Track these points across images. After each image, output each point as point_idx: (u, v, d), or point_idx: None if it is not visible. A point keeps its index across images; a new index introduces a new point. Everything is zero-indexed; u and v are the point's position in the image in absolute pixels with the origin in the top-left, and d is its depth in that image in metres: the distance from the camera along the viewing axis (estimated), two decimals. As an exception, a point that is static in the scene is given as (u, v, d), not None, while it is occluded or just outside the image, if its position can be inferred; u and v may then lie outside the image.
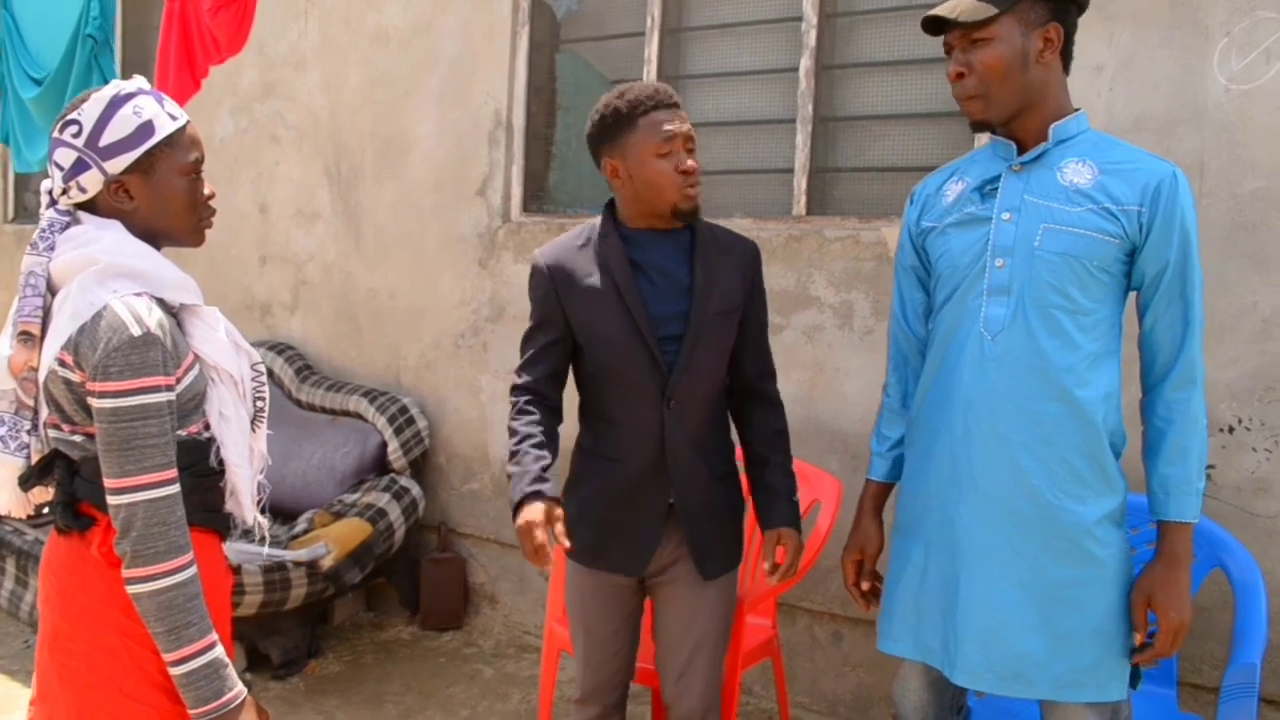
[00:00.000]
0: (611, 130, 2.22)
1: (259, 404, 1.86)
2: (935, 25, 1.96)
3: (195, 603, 1.63)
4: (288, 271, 4.95)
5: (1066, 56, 1.99)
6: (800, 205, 3.60)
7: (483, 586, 4.36)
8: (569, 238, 2.30)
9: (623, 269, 2.20)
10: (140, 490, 1.60)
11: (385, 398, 4.31)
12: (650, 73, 3.89)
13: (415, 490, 4.21)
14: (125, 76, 1.85)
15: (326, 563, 3.70)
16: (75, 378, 1.61)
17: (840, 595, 3.44)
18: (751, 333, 2.31)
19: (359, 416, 4.32)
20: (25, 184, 6.54)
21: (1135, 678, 2.00)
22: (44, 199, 1.74)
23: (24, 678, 3.65)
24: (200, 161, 1.79)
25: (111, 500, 1.61)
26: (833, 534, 2.98)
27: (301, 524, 3.97)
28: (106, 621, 1.67)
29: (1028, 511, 1.92)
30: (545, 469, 2.15)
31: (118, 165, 1.68)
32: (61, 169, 1.69)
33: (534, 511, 2.06)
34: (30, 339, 1.65)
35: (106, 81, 3.90)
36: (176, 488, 1.64)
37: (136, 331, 1.59)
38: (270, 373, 4.66)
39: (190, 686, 1.62)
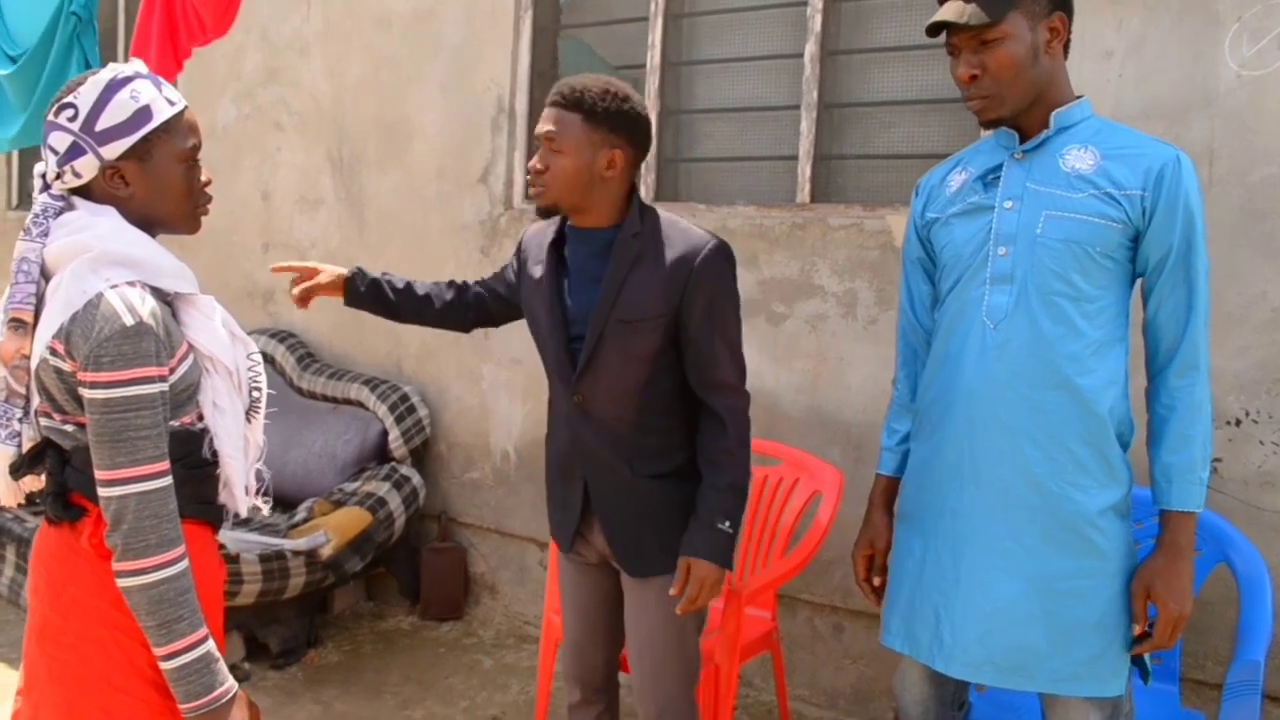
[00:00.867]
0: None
1: (255, 394, 1.82)
2: (939, 28, 1.93)
3: (186, 597, 1.60)
4: (290, 258, 4.92)
5: (1068, 44, 1.97)
6: (804, 193, 3.56)
7: (483, 576, 4.34)
8: (551, 222, 2.31)
9: (550, 262, 2.25)
10: (132, 482, 1.57)
11: (386, 386, 4.29)
12: (654, 58, 3.85)
13: (416, 479, 4.19)
14: (107, 55, 1.82)
15: (326, 552, 3.68)
16: (67, 367, 1.58)
17: (841, 587, 3.41)
18: (692, 342, 2.17)
19: (360, 405, 4.30)
20: (29, 170, 6.53)
21: (1145, 674, 1.98)
22: (37, 183, 1.71)
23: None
24: (198, 148, 1.76)
25: (102, 492, 1.58)
26: (834, 526, 2.95)
27: (301, 512, 3.95)
28: (96, 614, 1.65)
29: (1030, 501, 1.90)
30: (372, 276, 2.52)
31: (114, 150, 1.65)
32: (56, 153, 1.65)
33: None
34: (22, 326, 1.62)
35: (87, 61, 3.81)
36: (169, 480, 1.61)
37: (129, 321, 1.56)
38: (272, 360, 4.64)
39: (181, 681, 1.60)
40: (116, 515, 1.57)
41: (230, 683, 1.65)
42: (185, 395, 1.68)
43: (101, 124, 1.64)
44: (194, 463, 1.70)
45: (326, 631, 4.03)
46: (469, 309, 2.54)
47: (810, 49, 3.52)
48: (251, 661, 3.69)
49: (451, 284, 2.55)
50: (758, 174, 3.73)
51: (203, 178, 1.77)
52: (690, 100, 3.89)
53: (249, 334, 4.55)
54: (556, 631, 2.97)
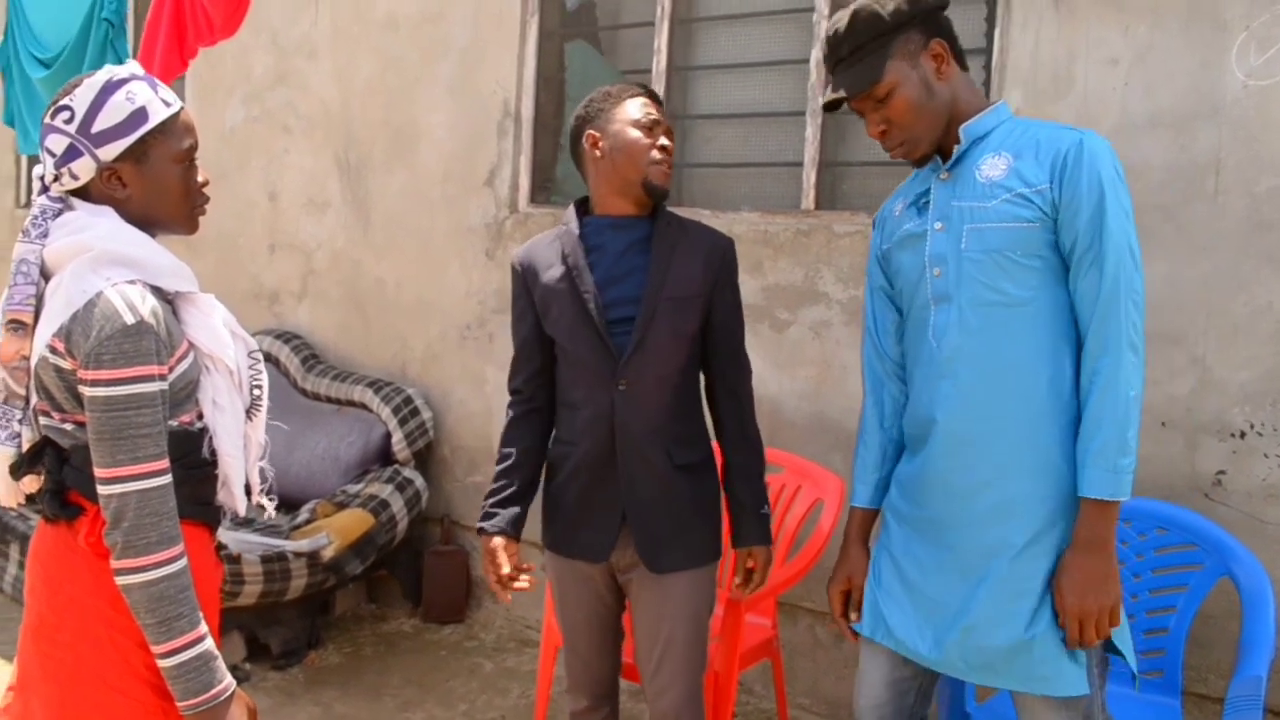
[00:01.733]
0: (599, 107, 2.31)
1: (256, 393, 1.82)
2: (835, 104, 2.00)
3: (186, 594, 1.60)
4: (296, 260, 4.93)
5: (961, 55, 1.99)
6: (809, 199, 3.55)
7: (485, 580, 4.32)
8: (542, 235, 2.38)
9: (575, 253, 2.26)
10: (132, 480, 1.57)
11: (390, 388, 4.29)
12: (660, 63, 3.84)
13: (419, 482, 4.18)
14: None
15: (328, 553, 3.68)
16: (67, 365, 1.59)
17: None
18: (722, 325, 2.31)
19: (364, 407, 4.30)
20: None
21: (1134, 677, 1.97)
22: (35, 185, 1.71)
23: (24, 663, 3.64)
24: (194, 148, 1.75)
25: (102, 490, 1.58)
26: (836, 534, 2.93)
27: (304, 514, 3.96)
28: (93, 613, 1.65)
29: (993, 507, 1.89)
30: (505, 496, 2.34)
31: (110, 152, 1.65)
32: (53, 155, 1.66)
33: (491, 547, 2.29)
34: (22, 328, 1.63)
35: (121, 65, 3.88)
36: (168, 478, 1.61)
37: (130, 320, 1.56)
38: (276, 361, 4.65)
39: (179, 679, 1.60)
40: (116, 513, 1.57)
41: (228, 680, 1.65)
42: (184, 394, 1.68)
43: (98, 126, 1.64)
44: (192, 463, 1.70)
45: (328, 633, 4.03)
46: (548, 399, 2.42)
47: (816, 54, 3.51)
48: (252, 662, 3.69)
49: (528, 411, 2.39)
50: (762, 180, 3.73)
51: (200, 178, 1.77)
52: (696, 105, 3.89)
53: (254, 335, 4.57)
54: (557, 636, 2.97)
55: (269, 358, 4.66)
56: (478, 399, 4.30)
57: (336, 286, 4.77)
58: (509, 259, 4.14)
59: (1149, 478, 2.91)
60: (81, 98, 1.65)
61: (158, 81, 1.73)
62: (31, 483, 1.75)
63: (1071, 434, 1.87)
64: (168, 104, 1.70)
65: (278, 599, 3.61)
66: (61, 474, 1.68)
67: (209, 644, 1.62)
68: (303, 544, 3.65)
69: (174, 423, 1.66)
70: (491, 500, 2.35)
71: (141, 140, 1.67)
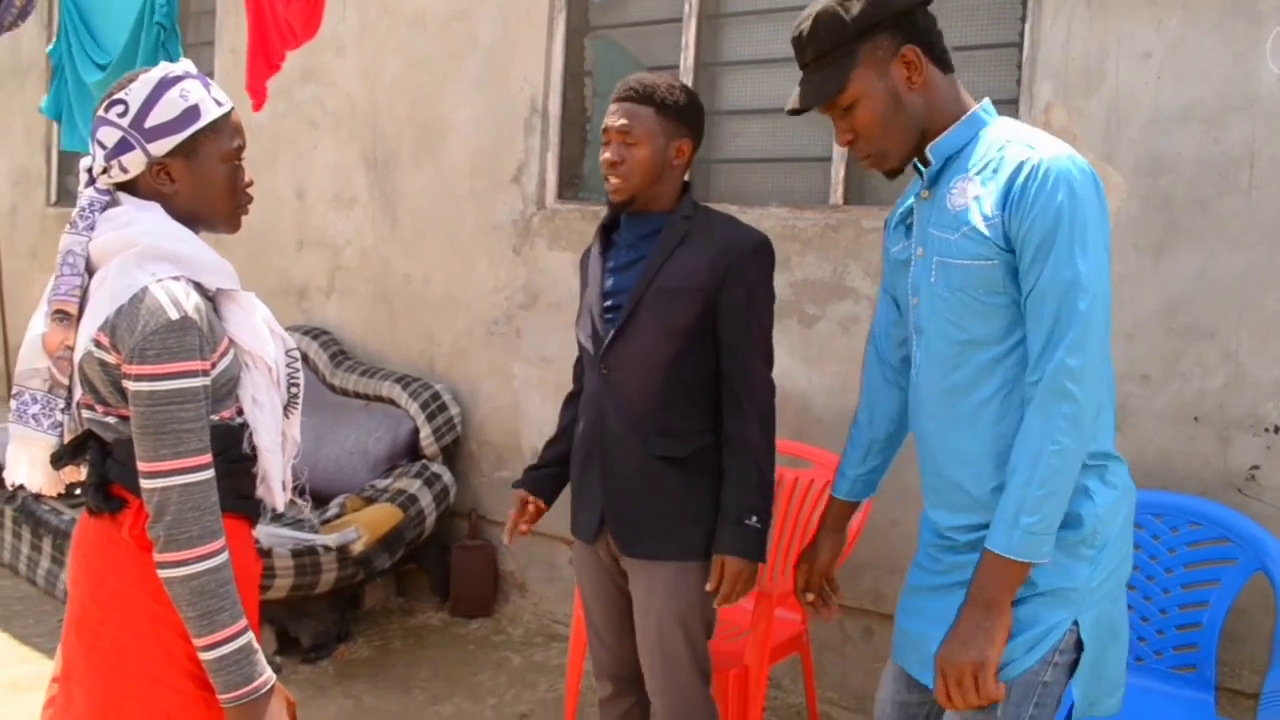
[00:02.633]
0: None
1: (293, 390, 1.84)
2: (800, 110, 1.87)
3: (227, 588, 1.61)
4: (324, 256, 4.96)
5: (944, 57, 1.83)
6: (838, 194, 3.54)
7: (512, 574, 4.35)
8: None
9: (595, 245, 2.40)
10: (175, 474, 1.58)
11: (418, 384, 4.31)
12: (687, 59, 3.84)
13: (447, 477, 4.21)
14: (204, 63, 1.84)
15: (357, 547, 3.71)
16: (111, 359, 1.60)
17: (872, 591, 3.40)
18: (728, 327, 2.24)
19: (392, 402, 4.33)
20: (68, 168, 6.62)
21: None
22: (83, 177, 1.73)
23: (58, 655, 3.69)
24: (242, 148, 1.78)
25: (145, 484, 1.59)
26: (865, 530, 2.94)
27: (333, 508, 3.98)
28: (136, 605, 1.66)
29: (964, 544, 1.81)
30: (539, 460, 2.55)
31: (161, 148, 1.67)
32: (104, 148, 1.68)
33: (515, 496, 2.51)
34: (67, 318, 1.64)
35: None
36: (211, 472, 1.62)
37: (174, 315, 1.57)
38: (305, 357, 4.68)
39: (221, 672, 1.60)
40: (159, 507, 1.58)
41: (269, 674, 1.66)
42: (225, 390, 1.69)
43: (151, 121, 1.66)
44: (233, 457, 1.72)
45: (357, 626, 4.05)
46: None
47: (845, 50, 3.50)
48: (283, 655, 3.72)
49: (575, 392, 2.56)
50: (790, 175, 3.72)
51: (245, 178, 1.79)
52: (723, 101, 3.89)
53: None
54: (585, 630, 2.98)
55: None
56: (505, 394, 4.31)
57: (364, 283, 4.80)
58: (536, 255, 4.18)
59: (1181, 473, 2.90)
60: (136, 93, 1.66)
61: (210, 81, 1.76)
62: (71, 473, 1.77)
63: None
64: (219, 103, 1.73)
65: (308, 592, 3.63)
66: (105, 467, 1.69)
67: (250, 637, 1.63)
68: (332, 538, 3.68)
69: (215, 418, 1.67)
70: (541, 458, 2.56)
71: (193, 137, 1.69)
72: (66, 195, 6.60)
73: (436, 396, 4.27)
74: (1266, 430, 2.78)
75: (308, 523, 3.88)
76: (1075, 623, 1.70)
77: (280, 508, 1.85)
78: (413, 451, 4.25)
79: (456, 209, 4.43)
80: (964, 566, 1.77)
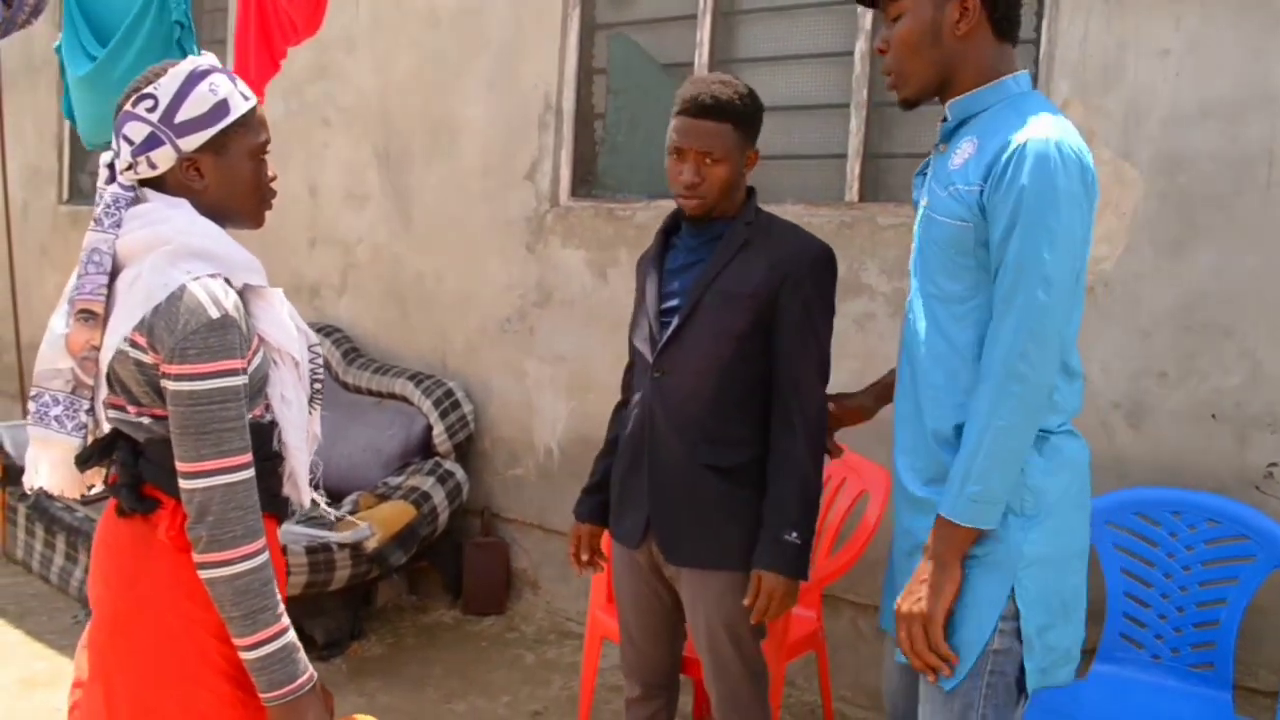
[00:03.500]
0: None
1: (316, 385, 1.83)
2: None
3: (270, 587, 1.60)
4: (337, 254, 4.97)
5: (1004, 23, 1.84)
6: (853, 191, 3.54)
7: (525, 572, 4.35)
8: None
9: (653, 248, 2.37)
10: (217, 474, 1.57)
11: (431, 381, 4.32)
12: (702, 56, 3.84)
13: (459, 474, 4.21)
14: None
15: (371, 545, 3.71)
16: (148, 359, 1.58)
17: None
18: (783, 336, 2.21)
19: (405, 400, 4.33)
20: (81, 165, 6.63)
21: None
22: (103, 173, 1.70)
23: (73, 653, 3.69)
24: (268, 143, 1.76)
25: (186, 484, 1.57)
26: (881, 527, 2.93)
27: (347, 505, 3.98)
28: (170, 606, 1.65)
29: (914, 506, 1.89)
30: (592, 483, 2.50)
31: (192, 143, 1.65)
32: (131, 143, 1.64)
33: (573, 532, 2.51)
34: (93, 318, 1.61)
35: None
36: (252, 471, 1.61)
37: (215, 314, 1.56)
38: (318, 354, 4.68)
39: (265, 671, 1.59)
40: (201, 507, 1.56)
41: (310, 671, 1.64)
42: (256, 388, 1.68)
43: (181, 116, 1.64)
44: (264, 455, 1.70)
45: (370, 624, 4.06)
46: None
47: (861, 46, 3.50)
48: (297, 652, 3.72)
49: (623, 402, 2.52)
50: (806, 172, 3.72)
51: (270, 173, 1.78)
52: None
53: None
54: (601, 628, 2.98)
55: (310, 351, 4.69)
56: (518, 392, 4.31)
57: (377, 280, 4.80)
58: (549, 252, 4.18)
59: (1199, 471, 2.89)
60: (166, 87, 1.64)
61: (236, 75, 1.74)
62: (93, 475, 1.76)
63: None
64: (246, 98, 1.71)
65: (322, 589, 3.63)
66: (136, 467, 1.67)
67: (292, 635, 1.62)
68: (346, 535, 3.68)
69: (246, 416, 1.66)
70: (585, 486, 2.52)
71: (222, 133, 1.67)
72: (78, 193, 6.61)
73: (449, 394, 4.28)
74: (1285, 428, 2.78)
75: (321, 520, 3.89)
76: (1012, 592, 1.75)
77: (307, 505, 1.84)
78: (426, 449, 4.25)
79: (469, 206, 4.43)
80: (927, 530, 1.81)
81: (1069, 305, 1.72)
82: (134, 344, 1.58)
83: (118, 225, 1.64)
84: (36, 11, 4.84)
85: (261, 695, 1.61)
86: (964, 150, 1.79)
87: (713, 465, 2.22)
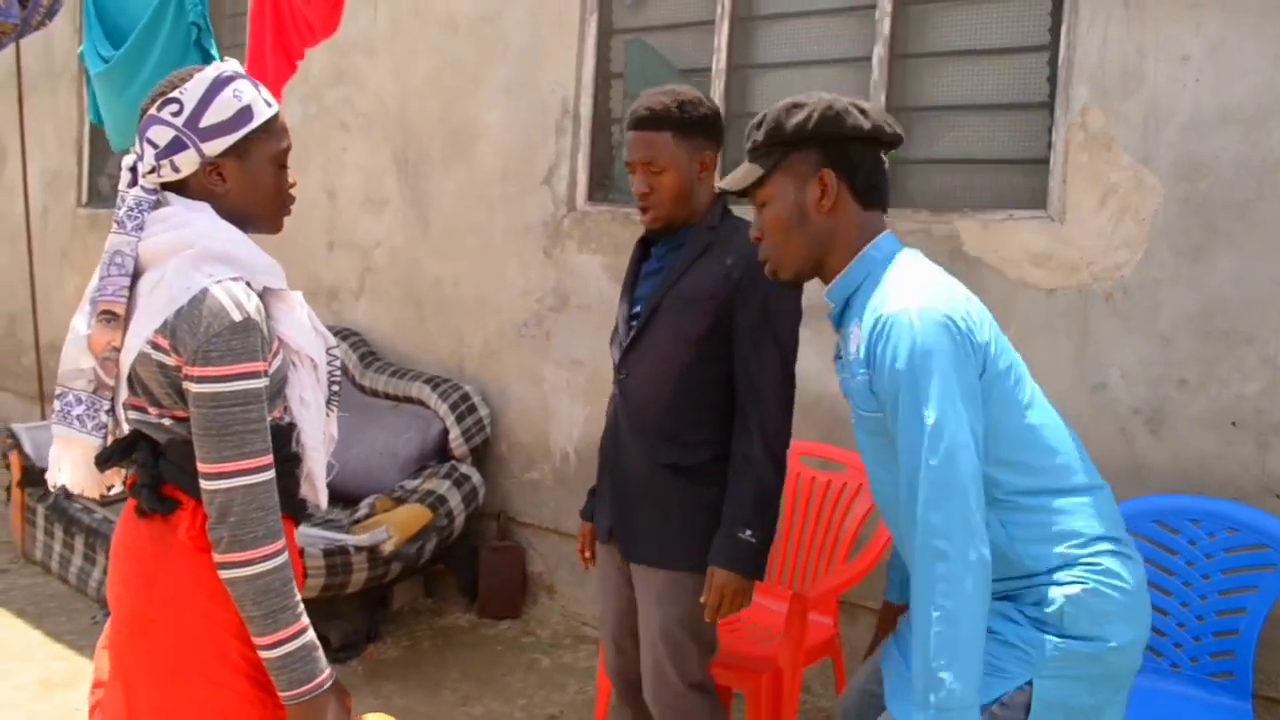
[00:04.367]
0: None
1: (334, 388, 1.84)
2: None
3: (290, 586, 1.61)
4: (354, 258, 4.99)
5: (868, 193, 1.85)
6: (870, 197, 3.53)
7: (541, 576, 4.35)
8: None
9: (635, 253, 2.45)
10: (239, 475, 1.58)
11: (447, 385, 4.32)
12: (720, 61, 3.84)
13: (476, 478, 4.21)
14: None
15: (387, 548, 3.72)
16: (170, 362, 1.59)
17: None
18: (741, 339, 2.22)
19: (421, 403, 4.34)
20: (99, 169, 6.67)
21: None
22: (125, 176, 1.71)
23: (92, 654, 3.71)
24: (289, 150, 1.78)
25: (208, 485, 1.58)
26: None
27: (363, 509, 4.00)
28: (191, 606, 1.66)
29: None
30: (594, 485, 2.56)
31: (215, 148, 1.67)
32: (155, 147, 1.66)
33: (582, 529, 2.64)
34: (114, 319, 1.62)
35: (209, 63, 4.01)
36: (273, 473, 1.62)
37: (237, 317, 1.57)
38: (335, 358, 4.70)
39: (285, 669, 1.60)
40: (223, 508, 1.57)
41: (329, 670, 1.66)
42: (276, 390, 1.69)
43: (206, 120, 1.65)
44: (282, 457, 1.71)
45: (386, 626, 4.06)
46: None
47: (879, 52, 3.50)
48: (313, 655, 3.73)
49: None
50: (823, 177, 3.71)
51: (290, 180, 1.79)
52: (756, 103, 3.88)
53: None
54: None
55: (327, 354, 4.71)
56: (534, 396, 4.32)
57: (394, 284, 4.82)
58: (566, 257, 4.19)
59: (1219, 478, 2.88)
60: (191, 92, 1.65)
61: (258, 82, 1.76)
62: (113, 475, 1.77)
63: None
64: (269, 104, 1.73)
65: (338, 592, 3.64)
66: (157, 468, 1.68)
67: (311, 634, 1.64)
68: (363, 538, 3.69)
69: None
70: (591, 487, 2.60)
71: (246, 138, 1.69)
72: (97, 196, 6.65)
73: (466, 398, 4.28)
74: (1306, 436, 2.76)
75: (338, 523, 3.91)
76: (1030, 684, 1.69)
77: (324, 506, 1.85)
78: (442, 452, 4.26)
79: (487, 211, 4.44)
80: None
81: (970, 455, 1.64)
82: (156, 346, 1.59)
83: (140, 228, 1.65)
84: (51, 13, 4.87)
85: (281, 694, 1.62)
86: (854, 335, 1.80)
87: (672, 465, 2.27)
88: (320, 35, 3.89)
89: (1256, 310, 2.82)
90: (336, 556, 3.59)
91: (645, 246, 2.43)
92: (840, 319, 1.88)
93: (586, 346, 4.14)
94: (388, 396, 4.48)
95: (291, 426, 1.73)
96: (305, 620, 1.62)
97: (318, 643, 1.65)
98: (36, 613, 4.11)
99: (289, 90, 5.12)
